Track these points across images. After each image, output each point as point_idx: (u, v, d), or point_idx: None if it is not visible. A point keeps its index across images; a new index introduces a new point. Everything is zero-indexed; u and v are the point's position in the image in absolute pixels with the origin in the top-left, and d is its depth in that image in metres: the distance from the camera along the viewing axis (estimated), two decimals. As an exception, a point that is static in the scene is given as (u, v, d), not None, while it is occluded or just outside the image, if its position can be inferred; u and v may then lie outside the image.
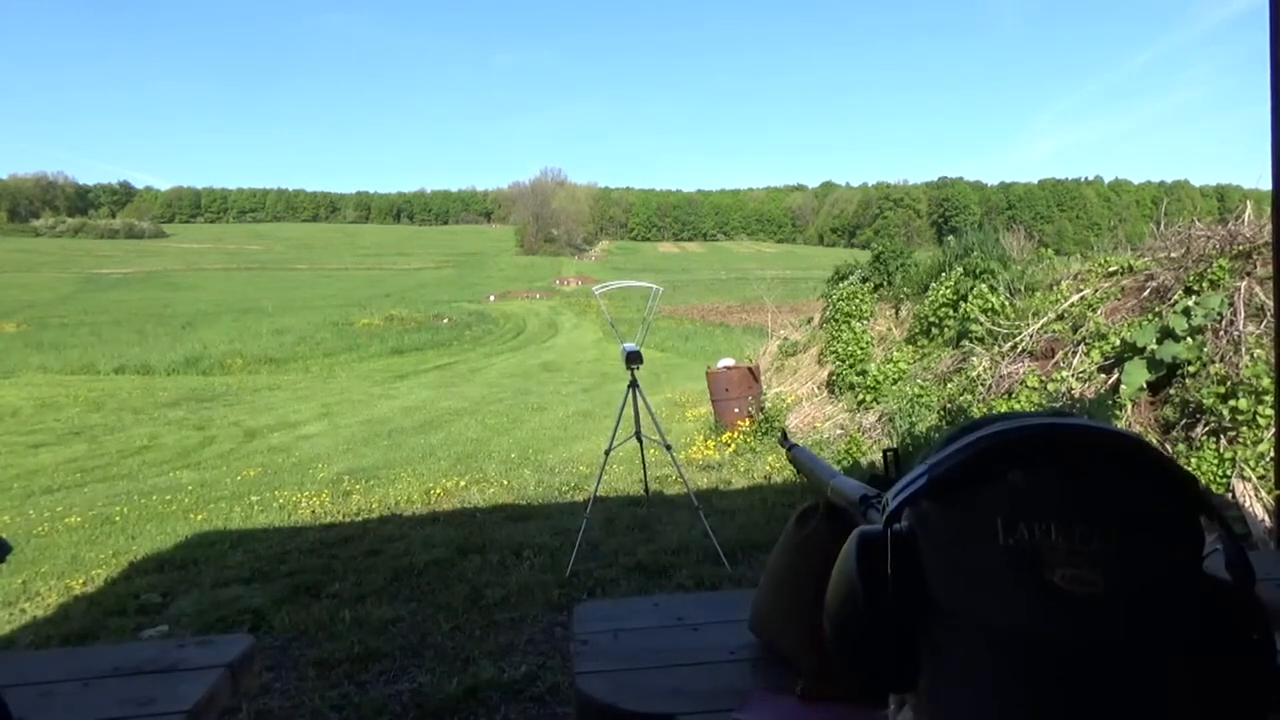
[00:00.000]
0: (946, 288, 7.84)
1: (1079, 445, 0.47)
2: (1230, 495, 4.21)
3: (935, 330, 7.86)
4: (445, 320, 31.03)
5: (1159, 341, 5.18)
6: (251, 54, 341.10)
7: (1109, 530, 0.44)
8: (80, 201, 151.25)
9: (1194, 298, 5.34)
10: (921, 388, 6.96)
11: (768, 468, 6.66)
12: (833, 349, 8.65)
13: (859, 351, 8.25)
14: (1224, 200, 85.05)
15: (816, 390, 8.72)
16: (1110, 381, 5.50)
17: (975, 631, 0.45)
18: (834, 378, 8.42)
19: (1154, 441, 4.65)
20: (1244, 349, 4.77)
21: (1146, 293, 6.00)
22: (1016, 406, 5.66)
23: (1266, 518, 3.92)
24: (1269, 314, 4.89)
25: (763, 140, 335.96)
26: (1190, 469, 4.31)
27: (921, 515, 0.50)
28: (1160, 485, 0.47)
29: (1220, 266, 5.47)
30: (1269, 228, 3.94)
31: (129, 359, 20.16)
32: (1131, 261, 6.59)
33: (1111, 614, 0.43)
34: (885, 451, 0.93)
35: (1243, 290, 5.15)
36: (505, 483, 6.61)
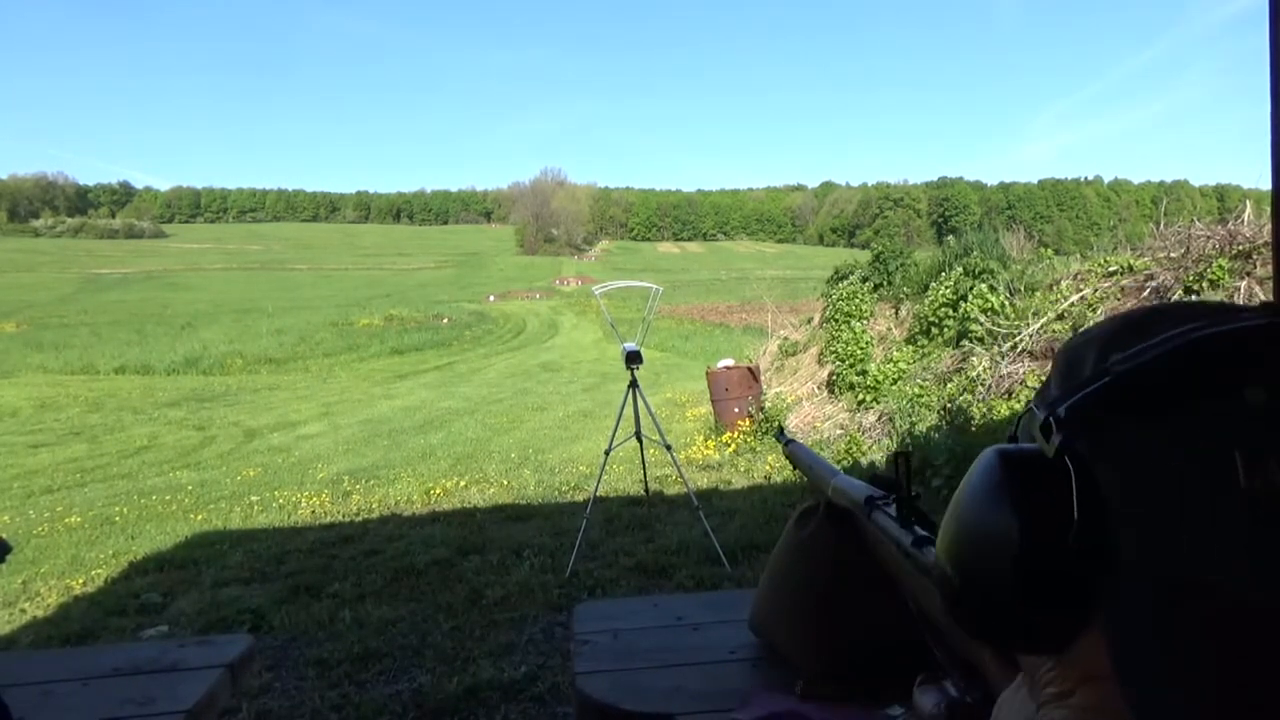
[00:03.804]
0: (946, 288, 7.84)
1: None
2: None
3: (935, 330, 7.85)
4: (445, 320, 31.02)
5: (1159, 341, 5.18)
6: (251, 54, 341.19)
7: None
8: (80, 201, 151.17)
9: (1194, 298, 5.34)
10: (921, 387, 6.96)
11: (768, 468, 6.66)
12: (833, 349, 8.65)
13: (859, 351, 8.25)
14: (1224, 200, 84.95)
15: (816, 390, 8.72)
16: (1110, 381, 5.49)
17: (1190, 596, 0.34)
18: (834, 378, 8.42)
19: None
20: (1244, 349, 4.77)
21: (1146, 293, 6.00)
22: (1017, 407, 5.66)
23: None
24: None
25: (763, 140, 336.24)
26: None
27: (1109, 438, 0.38)
28: None
29: (1220, 266, 5.47)
30: (1269, 228, 3.94)
31: (129, 359, 20.14)
32: (1131, 261, 6.59)
33: None
34: (895, 455, 0.91)
35: (1243, 290, 5.15)
36: (505, 483, 6.60)
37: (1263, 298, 5.06)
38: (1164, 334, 0.38)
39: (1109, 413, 0.38)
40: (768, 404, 8.12)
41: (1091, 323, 5.58)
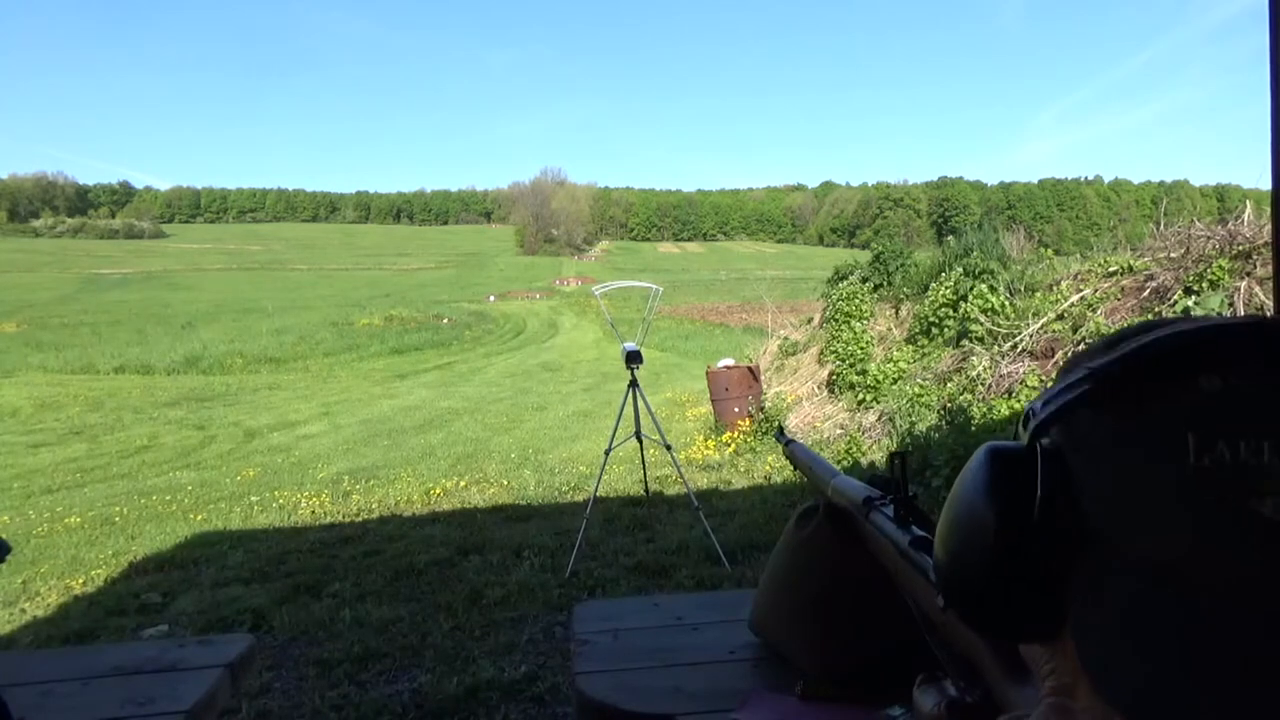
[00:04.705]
0: (946, 288, 7.84)
1: None
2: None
3: (935, 330, 7.86)
4: (445, 320, 31.02)
5: (1159, 341, 5.17)
6: (251, 54, 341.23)
7: None
8: (80, 201, 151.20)
9: (1193, 298, 5.34)
10: (921, 387, 6.96)
11: (768, 468, 6.66)
12: (833, 349, 8.66)
13: (859, 351, 8.25)
14: (1224, 200, 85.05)
15: (816, 390, 8.72)
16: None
17: (1149, 570, 0.36)
18: (834, 377, 8.42)
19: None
20: (1244, 349, 4.76)
21: (1146, 293, 6.00)
22: (1017, 406, 5.66)
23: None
24: (1269, 314, 4.89)
25: (763, 140, 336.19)
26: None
27: (1078, 428, 0.41)
28: None
29: (1220, 266, 5.47)
30: (1269, 228, 3.94)
31: (129, 359, 20.14)
32: (1131, 261, 6.59)
33: None
34: (893, 455, 0.91)
35: (1242, 290, 5.15)
36: (505, 483, 6.60)
37: (1263, 298, 5.06)
38: (1149, 338, 0.41)
39: (1083, 407, 0.41)
40: (768, 404, 8.13)
41: (1091, 324, 5.56)
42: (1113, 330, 0.46)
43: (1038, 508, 0.40)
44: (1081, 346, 5.87)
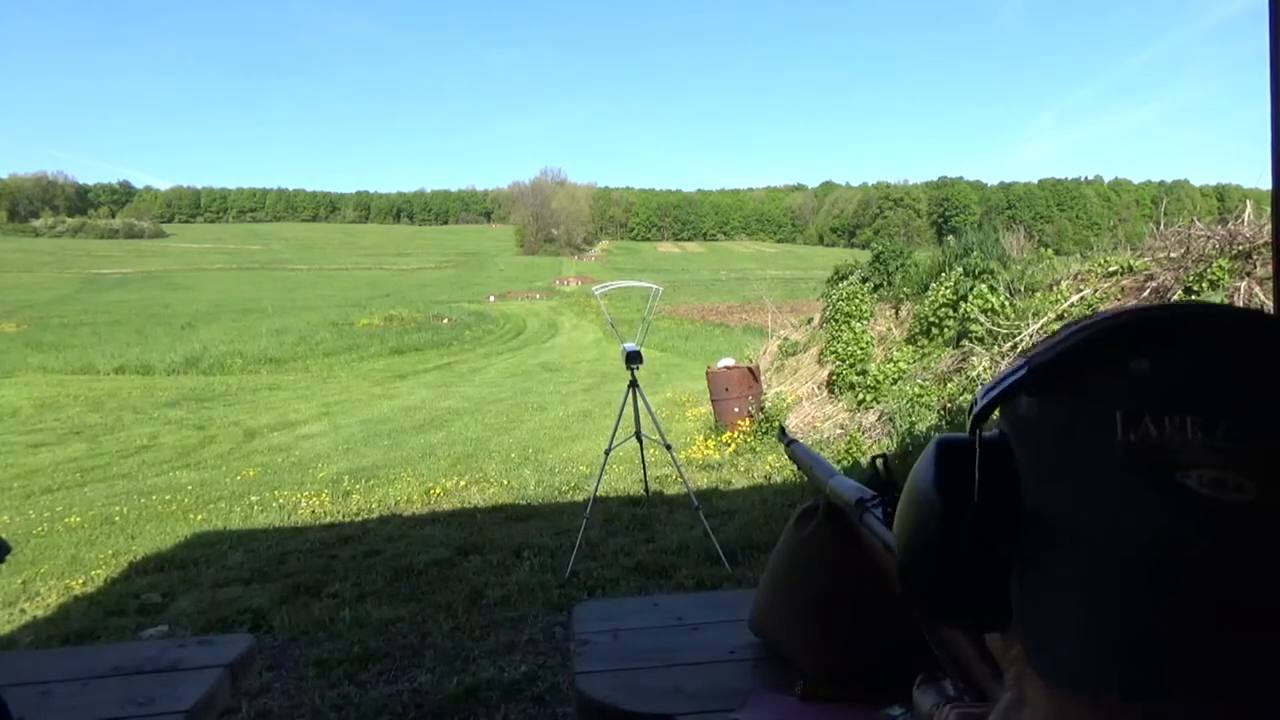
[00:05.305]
0: (946, 288, 7.84)
1: (1224, 329, 0.39)
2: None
3: (935, 330, 7.86)
4: (445, 320, 31.02)
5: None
6: (251, 54, 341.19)
7: (1267, 428, 0.36)
8: (80, 201, 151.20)
9: (1193, 298, 5.34)
10: (921, 387, 6.96)
11: (768, 468, 6.66)
12: (833, 349, 8.66)
13: (859, 351, 8.25)
14: (1224, 200, 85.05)
15: (816, 390, 8.72)
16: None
17: (1083, 544, 0.37)
18: (834, 378, 8.42)
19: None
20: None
21: (1146, 293, 6.00)
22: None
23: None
24: (1266, 311, 4.89)
25: (763, 140, 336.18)
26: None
27: (1018, 414, 0.42)
28: None
29: (1220, 266, 5.47)
30: (1269, 228, 3.94)
31: (129, 359, 20.14)
32: (1131, 261, 6.59)
33: (1267, 526, 0.35)
34: (874, 458, 0.92)
35: (1243, 290, 5.15)
36: (505, 483, 6.60)
37: (1263, 298, 5.06)
38: (1081, 326, 0.42)
39: (1027, 396, 0.42)
40: (768, 404, 8.13)
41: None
42: None
43: (976, 490, 0.41)
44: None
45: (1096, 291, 6.43)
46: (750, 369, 8.37)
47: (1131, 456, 0.37)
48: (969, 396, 6.31)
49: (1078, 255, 8.24)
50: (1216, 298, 5.17)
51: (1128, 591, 0.35)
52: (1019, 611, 0.40)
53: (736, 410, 7.98)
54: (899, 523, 0.47)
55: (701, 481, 6.32)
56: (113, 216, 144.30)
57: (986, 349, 6.76)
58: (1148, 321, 0.40)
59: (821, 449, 6.95)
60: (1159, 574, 0.35)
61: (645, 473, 5.05)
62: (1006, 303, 7.12)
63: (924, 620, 0.74)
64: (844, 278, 10.10)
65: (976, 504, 0.42)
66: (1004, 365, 6.34)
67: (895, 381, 7.51)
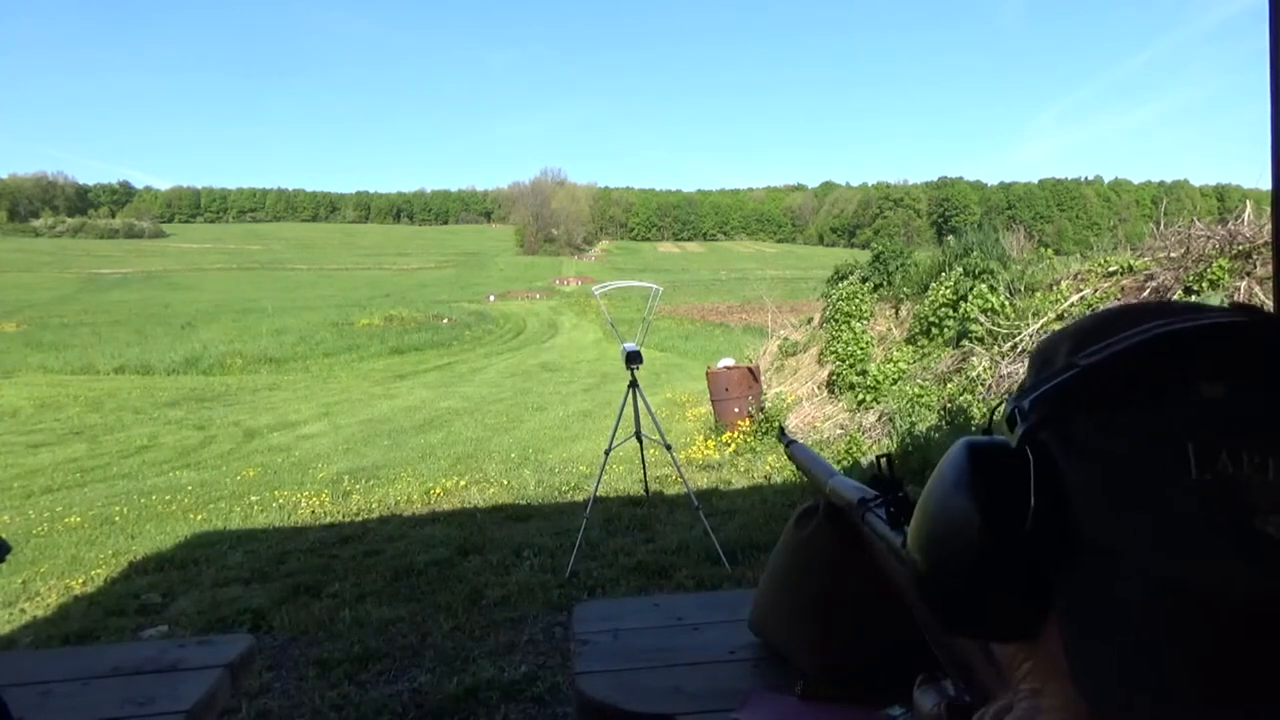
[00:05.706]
0: (946, 288, 7.84)
1: None
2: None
3: (935, 330, 7.86)
4: (445, 320, 31.02)
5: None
6: (251, 54, 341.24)
7: None
8: (80, 201, 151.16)
9: (1193, 298, 5.34)
10: (921, 387, 6.96)
11: (768, 468, 6.66)
12: (833, 349, 8.66)
13: (859, 351, 8.25)
14: (1224, 200, 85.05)
15: (816, 390, 8.72)
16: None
17: (1143, 580, 0.35)
18: (834, 378, 8.42)
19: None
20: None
21: (1146, 293, 6.00)
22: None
23: None
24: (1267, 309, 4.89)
25: (763, 140, 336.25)
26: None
27: (1069, 431, 0.39)
28: None
29: (1220, 266, 5.47)
30: (1269, 228, 3.94)
31: (129, 359, 20.14)
32: (1131, 261, 6.59)
33: None
34: (879, 457, 0.92)
35: (1243, 290, 5.15)
36: (505, 483, 6.60)
37: (1263, 298, 5.06)
38: (1130, 330, 0.39)
39: (1072, 404, 0.39)
40: (768, 404, 8.12)
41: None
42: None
43: (1031, 514, 0.38)
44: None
45: (1096, 291, 6.43)
46: (750, 369, 8.37)
47: (1207, 497, 0.34)
48: (969, 396, 6.31)
49: (1078, 255, 8.24)
50: (1216, 298, 5.17)
51: (1202, 643, 0.33)
52: (1074, 645, 0.37)
53: (736, 410, 7.98)
54: (918, 529, 0.45)
55: (701, 481, 6.32)
56: (113, 216, 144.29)
57: (986, 349, 6.76)
58: (1223, 337, 0.37)
59: (821, 449, 6.94)
60: (1238, 630, 0.33)
61: (645, 473, 5.05)
62: (1006, 303, 7.12)
63: (936, 627, 0.74)
64: (844, 278, 10.10)
65: (1030, 528, 0.38)
66: (1004, 365, 6.35)
67: (895, 381, 7.51)
